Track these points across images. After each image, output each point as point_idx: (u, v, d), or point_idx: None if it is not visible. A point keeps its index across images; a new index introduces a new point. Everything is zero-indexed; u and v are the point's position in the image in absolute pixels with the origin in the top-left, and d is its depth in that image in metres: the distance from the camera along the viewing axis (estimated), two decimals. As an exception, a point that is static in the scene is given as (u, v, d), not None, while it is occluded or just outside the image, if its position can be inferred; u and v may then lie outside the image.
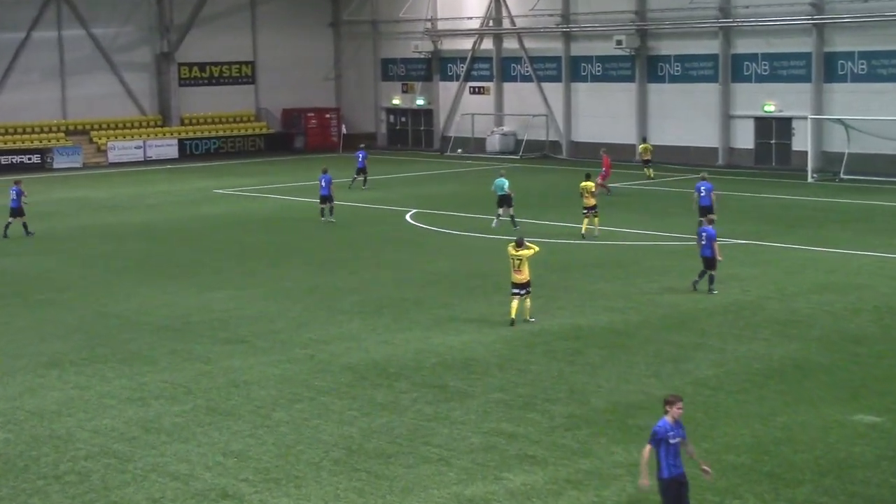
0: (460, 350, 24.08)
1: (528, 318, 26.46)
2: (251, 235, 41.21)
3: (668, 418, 14.10)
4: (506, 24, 72.67)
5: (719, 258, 29.56)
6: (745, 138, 62.26)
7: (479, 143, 72.69)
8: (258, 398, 20.99)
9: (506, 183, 41.20)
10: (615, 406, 20.10)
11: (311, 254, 36.93)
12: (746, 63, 61.60)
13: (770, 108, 60.82)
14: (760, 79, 61.13)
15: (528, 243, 26.77)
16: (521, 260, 26.30)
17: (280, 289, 31.09)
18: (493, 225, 40.87)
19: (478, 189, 53.99)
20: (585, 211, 38.81)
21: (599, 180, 49.96)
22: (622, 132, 65.29)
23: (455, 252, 36.67)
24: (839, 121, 57.11)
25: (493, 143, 71.99)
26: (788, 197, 48.97)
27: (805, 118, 57.63)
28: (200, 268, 34.82)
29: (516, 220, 40.48)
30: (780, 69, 60.36)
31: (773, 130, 61.22)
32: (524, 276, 26.33)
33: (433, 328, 26.10)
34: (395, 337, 25.34)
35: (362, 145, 58.82)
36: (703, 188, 38.67)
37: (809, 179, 54.89)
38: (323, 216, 43.40)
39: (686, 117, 63.90)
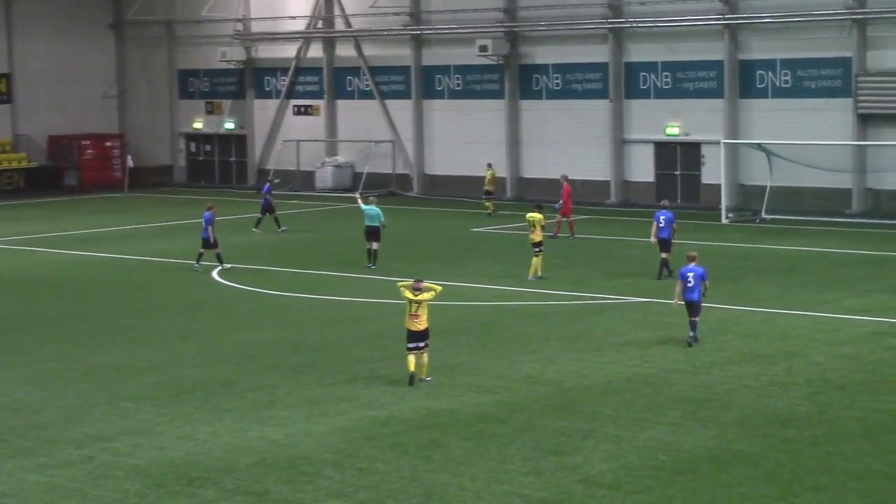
0: (284, 445, 23.92)
1: (423, 376, 27.85)
2: (7, 301, 40.54)
3: None
4: (339, 25, 73.03)
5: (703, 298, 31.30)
6: (643, 169, 63.29)
7: (307, 178, 72.65)
8: (18, 514, 20.58)
9: (379, 212, 43.96)
10: (484, 513, 20.12)
11: (89, 324, 36.42)
12: (643, 74, 62.72)
13: (674, 130, 61.97)
14: (661, 94, 62.28)
15: (427, 284, 28.15)
16: (419, 304, 27.63)
17: (47, 370, 30.56)
18: (370, 266, 43.57)
19: (304, 237, 53.91)
20: (535, 248, 41.35)
21: (560, 216, 50.52)
22: (488, 162, 65.68)
23: (276, 318, 36.51)
24: (759, 146, 58.25)
25: (325, 177, 71.98)
26: (698, 242, 49.49)
27: (717, 143, 58.75)
28: (-60, 344, 34.09)
29: (377, 259, 43.56)
30: (685, 81, 61.58)
31: (678, 159, 62.34)
32: (423, 323, 27.72)
33: (248, 418, 25.90)
34: (199, 430, 25.07)
35: (271, 178, 58.32)
36: (662, 218, 41.08)
37: (724, 220, 55.98)
38: (197, 263, 44.56)
39: (569, 142, 64.69)
